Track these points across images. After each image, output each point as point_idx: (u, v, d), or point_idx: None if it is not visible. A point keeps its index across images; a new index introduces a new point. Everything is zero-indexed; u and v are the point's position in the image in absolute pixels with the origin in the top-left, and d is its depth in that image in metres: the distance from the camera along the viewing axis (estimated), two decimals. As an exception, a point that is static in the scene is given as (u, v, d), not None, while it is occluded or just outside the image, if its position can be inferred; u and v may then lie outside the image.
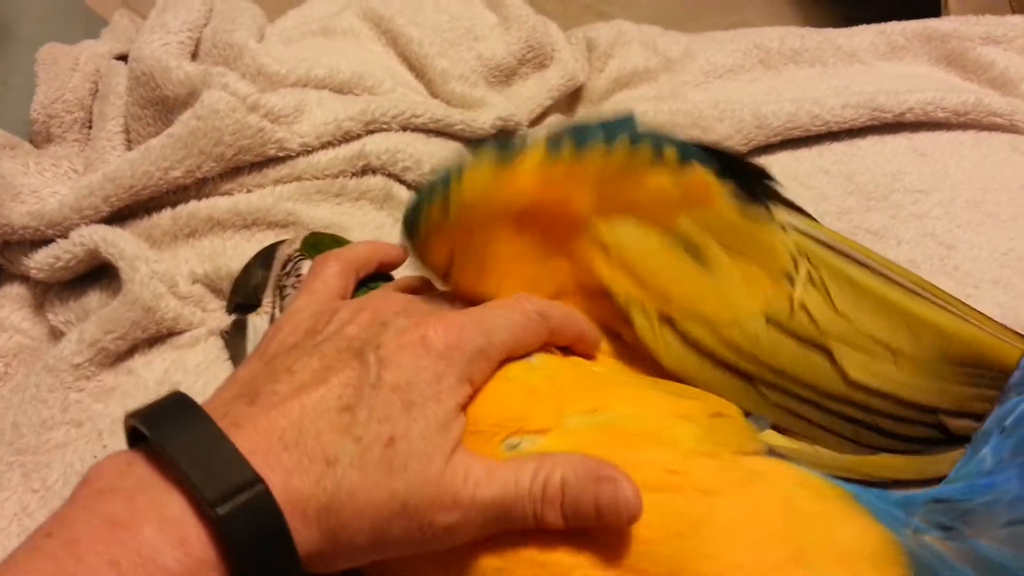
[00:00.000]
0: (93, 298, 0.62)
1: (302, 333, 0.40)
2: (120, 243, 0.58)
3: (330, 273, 0.45)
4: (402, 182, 0.66)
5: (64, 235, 0.61)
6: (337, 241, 0.55)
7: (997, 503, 0.41)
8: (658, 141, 0.41)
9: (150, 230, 0.63)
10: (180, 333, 0.58)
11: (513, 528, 0.35)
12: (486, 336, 0.38)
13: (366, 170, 0.65)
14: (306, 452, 0.33)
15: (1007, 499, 0.41)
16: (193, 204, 0.62)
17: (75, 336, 0.57)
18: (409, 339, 0.36)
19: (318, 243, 0.53)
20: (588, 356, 0.44)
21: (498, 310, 0.40)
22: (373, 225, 0.64)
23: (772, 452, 0.41)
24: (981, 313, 0.49)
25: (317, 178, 0.63)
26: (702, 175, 0.43)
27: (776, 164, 0.75)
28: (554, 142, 0.39)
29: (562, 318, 0.42)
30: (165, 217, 0.62)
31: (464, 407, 0.37)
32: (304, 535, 0.32)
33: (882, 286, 0.48)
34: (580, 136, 0.40)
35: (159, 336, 0.58)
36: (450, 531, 0.34)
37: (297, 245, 0.53)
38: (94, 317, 0.58)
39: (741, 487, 0.37)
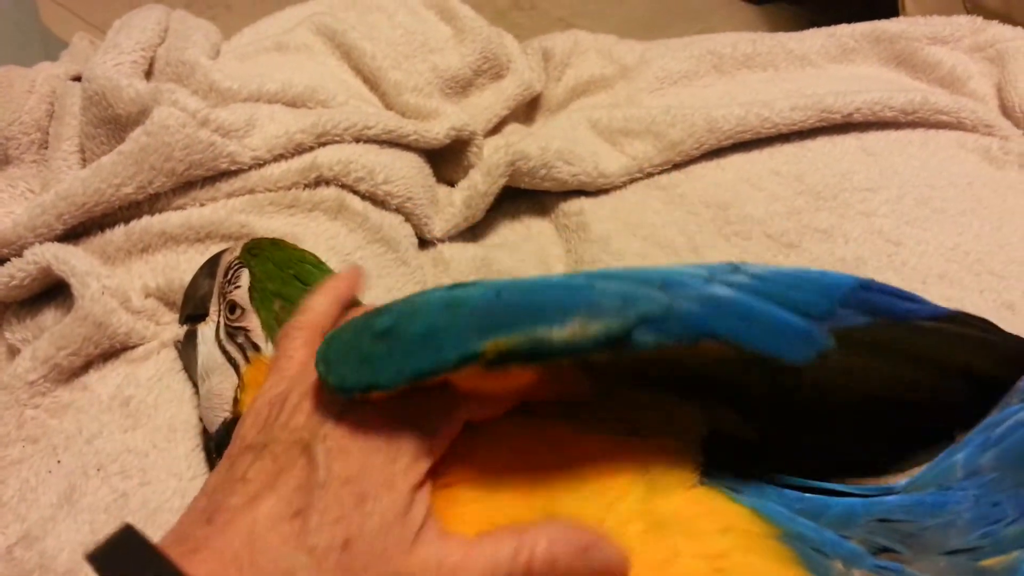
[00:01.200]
0: (48, 316, 0.62)
1: (260, 426, 0.38)
2: (71, 260, 0.59)
3: (294, 346, 0.43)
4: (356, 192, 0.67)
5: (18, 254, 0.61)
6: (276, 245, 0.55)
7: (946, 527, 0.40)
8: None
9: (104, 246, 0.63)
10: (134, 347, 0.58)
11: None
12: None
13: (319, 181, 0.65)
14: (261, 571, 0.32)
15: (958, 523, 0.40)
16: (146, 219, 0.62)
17: (29, 353, 0.57)
18: (354, 420, 0.35)
19: (255, 248, 0.54)
20: None
21: None
22: (327, 235, 0.65)
23: (706, 477, 0.41)
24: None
25: (270, 190, 0.64)
26: None
27: (728, 167, 0.77)
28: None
29: None
30: (118, 233, 0.63)
31: (423, 483, 0.35)
32: None
33: None
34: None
35: (113, 351, 0.59)
36: None
37: (237, 252, 0.53)
38: (47, 334, 0.58)
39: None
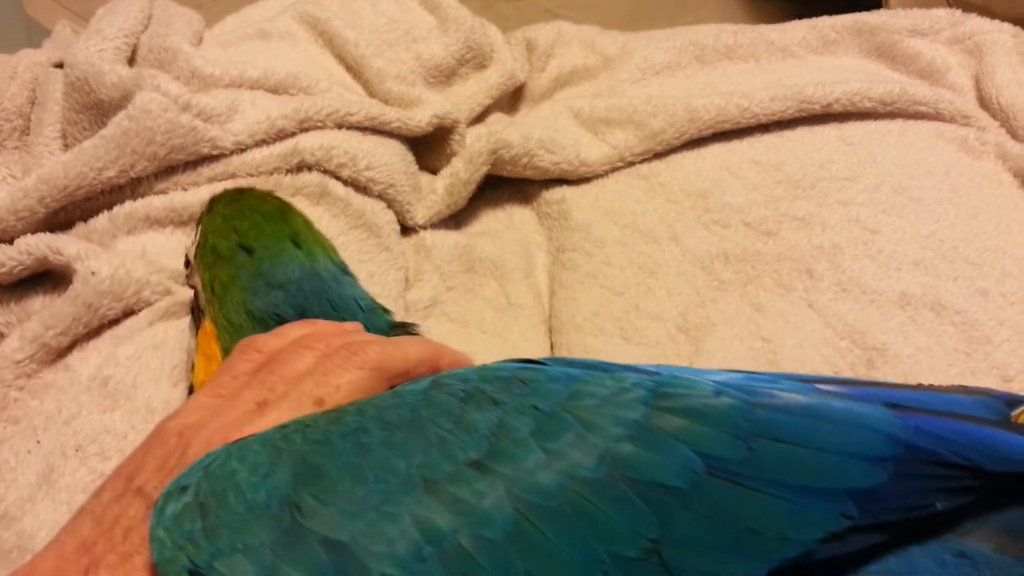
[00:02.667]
0: (36, 301, 0.63)
1: (157, 465, 0.36)
2: (65, 248, 0.59)
3: (243, 369, 0.41)
4: (338, 178, 0.67)
5: (4, 239, 0.61)
6: (239, 195, 0.52)
7: None
8: None
9: (88, 235, 0.63)
10: (118, 323, 0.59)
11: None
12: None
13: (301, 167, 0.66)
14: None
15: None
16: (129, 204, 0.63)
17: (17, 334, 0.57)
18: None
19: (217, 198, 0.52)
20: None
21: None
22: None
23: None
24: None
25: (251, 175, 0.64)
26: None
27: (709, 156, 0.77)
28: None
29: None
30: (102, 220, 0.63)
31: None
32: None
33: None
34: None
35: (99, 329, 0.59)
36: None
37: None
38: (36, 316, 0.58)
39: None
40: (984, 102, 0.81)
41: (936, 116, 0.79)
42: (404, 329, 0.49)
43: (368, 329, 0.46)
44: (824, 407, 0.34)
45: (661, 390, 0.34)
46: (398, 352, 0.39)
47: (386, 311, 0.51)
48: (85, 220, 0.64)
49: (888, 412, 0.34)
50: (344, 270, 0.52)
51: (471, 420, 0.32)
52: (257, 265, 0.48)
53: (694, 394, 0.34)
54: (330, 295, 0.48)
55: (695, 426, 0.32)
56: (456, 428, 0.32)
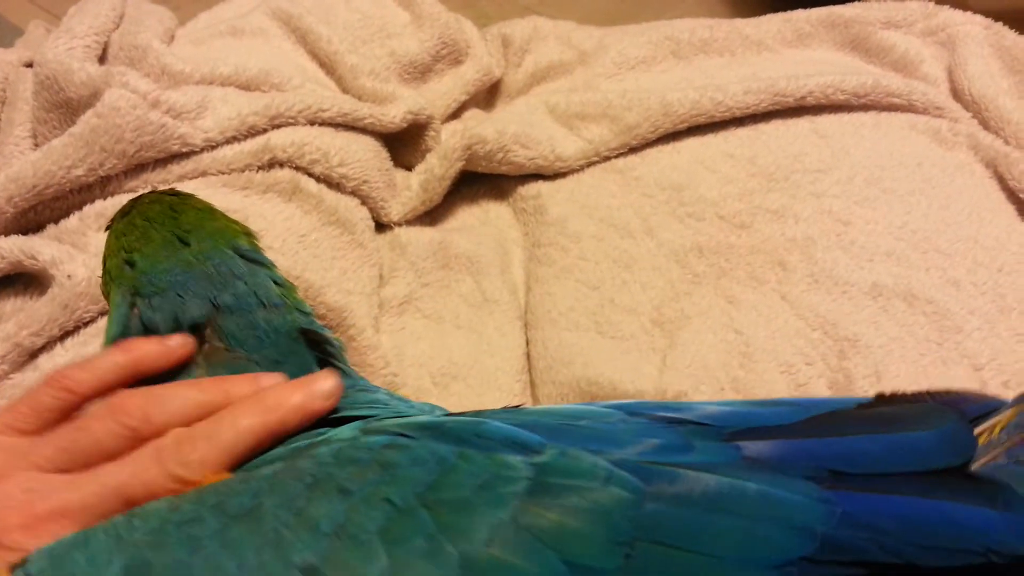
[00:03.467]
0: (7, 303, 0.62)
1: None
2: (40, 250, 0.58)
3: (45, 403, 0.38)
4: (310, 175, 0.67)
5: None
6: (146, 197, 0.48)
7: None
8: None
9: (59, 236, 0.63)
10: (89, 324, 0.58)
11: None
12: None
13: (272, 163, 0.66)
14: None
15: None
16: (99, 203, 0.62)
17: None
18: None
19: (112, 219, 0.48)
20: None
21: None
22: (282, 217, 0.65)
23: None
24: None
25: (222, 172, 0.64)
26: None
27: (684, 150, 0.77)
28: None
29: None
30: (72, 220, 0.63)
31: None
32: None
33: None
34: None
35: (72, 329, 0.59)
36: None
37: None
38: (14, 318, 0.58)
39: None
40: (957, 94, 0.82)
41: (909, 108, 0.79)
42: (310, 339, 0.45)
43: (266, 332, 0.43)
44: (734, 493, 0.30)
45: (541, 479, 0.31)
46: (230, 446, 0.35)
47: (301, 309, 0.46)
48: (56, 221, 0.64)
49: (813, 494, 0.30)
50: (255, 259, 0.46)
51: (314, 513, 0.30)
52: (135, 277, 0.44)
53: (578, 485, 0.30)
54: (221, 298, 0.43)
55: (570, 527, 0.29)
56: (296, 523, 0.30)
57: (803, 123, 0.78)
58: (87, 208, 0.63)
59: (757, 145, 0.76)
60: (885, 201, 0.71)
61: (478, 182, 0.80)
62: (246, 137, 0.65)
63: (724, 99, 0.76)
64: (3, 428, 0.37)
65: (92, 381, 0.39)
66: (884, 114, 0.79)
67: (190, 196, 0.48)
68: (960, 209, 0.70)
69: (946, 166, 0.74)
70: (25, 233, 0.63)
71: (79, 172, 0.60)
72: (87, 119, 0.60)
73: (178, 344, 0.41)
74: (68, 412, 0.39)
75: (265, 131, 0.66)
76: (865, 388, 0.58)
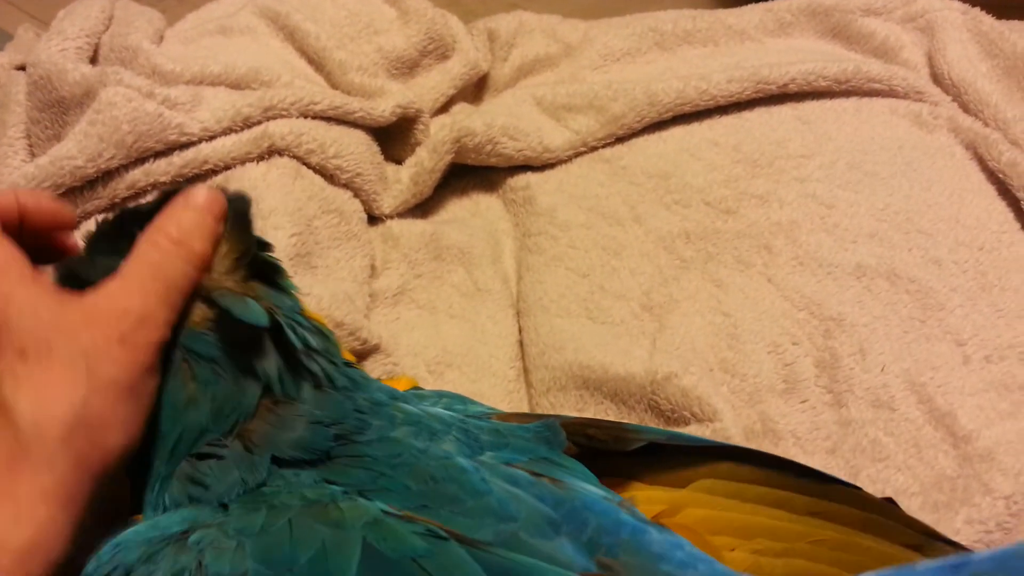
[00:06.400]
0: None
1: None
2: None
3: None
4: (308, 165, 0.68)
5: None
6: None
7: None
8: None
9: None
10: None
11: None
12: None
13: (272, 151, 0.66)
14: None
15: None
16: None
17: None
18: None
19: None
20: None
21: None
22: (292, 198, 0.65)
23: None
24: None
25: (223, 162, 0.64)
26: None
27: (669, 139, 0.79)
28: None
29: None
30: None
31: None
32: None
33: None
34: None
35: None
36: None
37: None
38: None
39: None
40: (937, 78, 0.83)
41: (890, 93, 0.81)
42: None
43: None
44: None
45: None
46: None
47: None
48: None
49: None
50: None
51: None
52: None
53: None
54: None
55: None
56: None
57: (786, 110, 0.79)
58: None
59: (741, 132, 0.77)
60: (867, 184, 0.72)
61: (468, 174, 0.81)
62: (242, 128, 0.66)
63: (708, 88, 0.78)
64: None
65: None
66: (865, 99, 0.81)
67: None
68: (941, 190, 0.71)
69: (927, 148, 0.76)
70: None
71: (79, 162, 0.60)
72: (85, 120, 0.61)
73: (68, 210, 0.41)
74: None
75: (260, 122, 0.67)
76: (851, 365, 0.59)
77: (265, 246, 0.41)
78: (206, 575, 0.31)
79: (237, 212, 0.40)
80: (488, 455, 0.40)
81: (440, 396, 0.49)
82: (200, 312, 0.37)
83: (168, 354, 0.37)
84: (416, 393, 0.49)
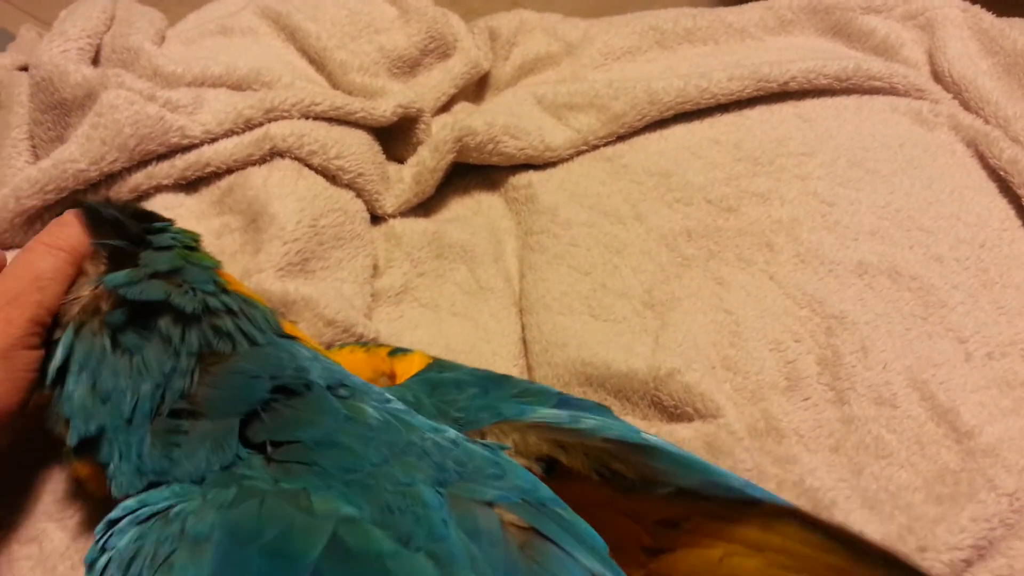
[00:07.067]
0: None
1: None
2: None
3: None
4: (309, 166, 0.68)
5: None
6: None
7: None
8: None
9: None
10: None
11: None
12: None
13: (274, 153, 0.66)
14: None
15: None
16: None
17: None
18: None
19: None
20: None
21: None
22: (295, 197, 0.65)
23: None
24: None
25: (225, 164, 0.65)
26: None
27: (670, 137, 0.79)
28: None
29: None
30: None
31: None
32: None
33: None
34: None
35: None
36: None
37: None
38: None
39: None
40: (937, 76, 0.83)
41: (891, 90, 0.81)
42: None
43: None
44: None
45: None
46: None
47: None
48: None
49: None
50: None
51: None
52: None
53: None
54: None
55: None
56: None
57: (787, 108, 0.80)
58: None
59: (742, 131, 0.78)
60: (868, 182, 0.72)
61: (470, 173, 0.81)
62: (244, 130, 0.66)
63: (709, 86, 0.78)
64: None
65: None
66: (866, 97, 0.81)
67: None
68: (942, 188, 0.71)
69: (928, 146, 0.76)
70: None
71: (81, 166, 0.60)
72: (86, 123, 0.61)
73: None
74: None
75: (262, 124, 0.67)
76: (853, 363, 0.59)
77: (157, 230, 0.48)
78: (186, 538, 0.33)
79: (93, 216, 0.47)
80: (464, 486, 0.36)
81: (491, 381, 0.47)
82: (111, 298, 0.43)
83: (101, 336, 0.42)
84: (423, 378, 0.48)
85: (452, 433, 0.40)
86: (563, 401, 0.44)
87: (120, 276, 0.44)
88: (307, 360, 0.43)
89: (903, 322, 0.62)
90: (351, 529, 0.32)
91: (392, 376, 0.51)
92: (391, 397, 0.43)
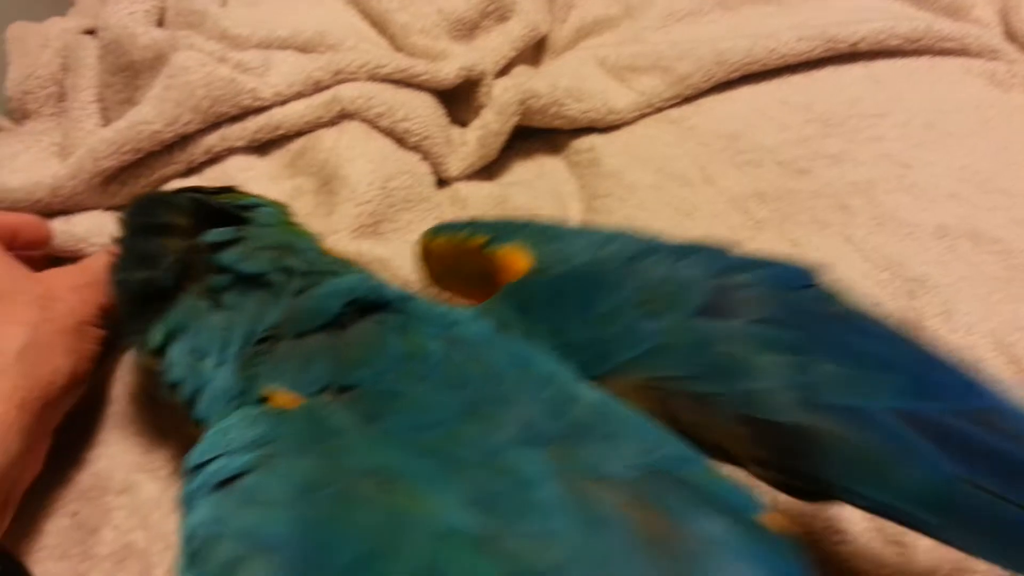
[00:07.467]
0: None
1: None
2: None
3: None
4: (377, 128, 0.67)
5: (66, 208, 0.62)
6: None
7: None
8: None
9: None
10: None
11: None
12: None
13: (343, 116, 0.66)
14: None
15: None
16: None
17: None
18: None
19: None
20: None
21: None
22: (366, 159, 0.65)
23: None
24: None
25: (296, 127, 0.64)
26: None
27: (738, 98, 0.77)
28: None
29: None
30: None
31: None
32: None
33: None
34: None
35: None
36: None
37: None
38: None
39: None
40: (1011, 35, 0.81)
41: (963, 51, 0.79)
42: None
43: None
44: None
45: None
46: None
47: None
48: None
49: None
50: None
51: None
52: None
53: None
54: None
55: None
56: None
57: (857, 69, 0.78)
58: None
59: (811, 92, 0.76)
60: (944, 144, 0.70)
61: (532, 137, 0.80)
62: (313, 92, 0.66)
63: (777, 47, 0.76)
64: None
65: None
66: (938, 58, 0.79)
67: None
68: (1021, 149, 0.70)
69: (1004, 107, 0.74)
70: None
71: (156, 127, 0.60)
72: (159, 85, 0.61)
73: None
74: None
75: (330, 86, 0.66)
76: (936, 326, 0.58)
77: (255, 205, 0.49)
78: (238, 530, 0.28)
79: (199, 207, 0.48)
80: (569, 452, 0.29)
81: None
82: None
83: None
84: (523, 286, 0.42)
85: (549, 369, 0.34)
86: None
87: (232, 254, 0.44)
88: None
89: (986, 284, 0.60)
90: (448, 554, 0.25)
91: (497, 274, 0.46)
92: (467, 319, 0.39)
